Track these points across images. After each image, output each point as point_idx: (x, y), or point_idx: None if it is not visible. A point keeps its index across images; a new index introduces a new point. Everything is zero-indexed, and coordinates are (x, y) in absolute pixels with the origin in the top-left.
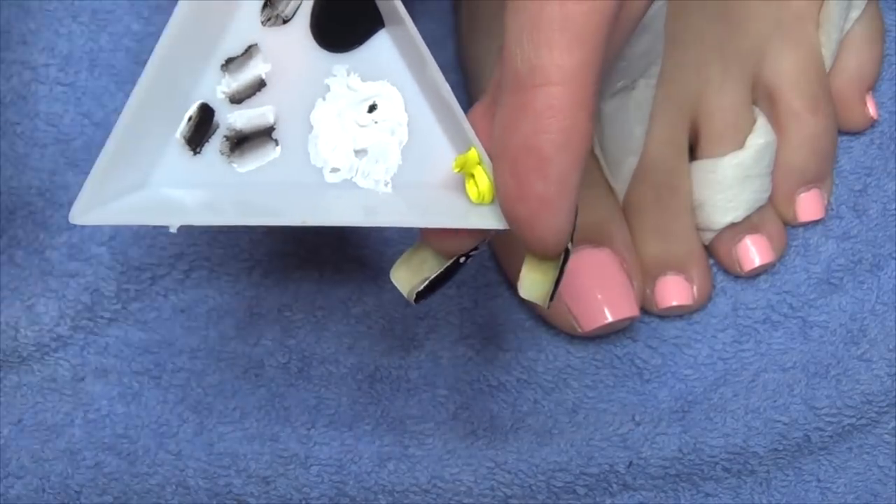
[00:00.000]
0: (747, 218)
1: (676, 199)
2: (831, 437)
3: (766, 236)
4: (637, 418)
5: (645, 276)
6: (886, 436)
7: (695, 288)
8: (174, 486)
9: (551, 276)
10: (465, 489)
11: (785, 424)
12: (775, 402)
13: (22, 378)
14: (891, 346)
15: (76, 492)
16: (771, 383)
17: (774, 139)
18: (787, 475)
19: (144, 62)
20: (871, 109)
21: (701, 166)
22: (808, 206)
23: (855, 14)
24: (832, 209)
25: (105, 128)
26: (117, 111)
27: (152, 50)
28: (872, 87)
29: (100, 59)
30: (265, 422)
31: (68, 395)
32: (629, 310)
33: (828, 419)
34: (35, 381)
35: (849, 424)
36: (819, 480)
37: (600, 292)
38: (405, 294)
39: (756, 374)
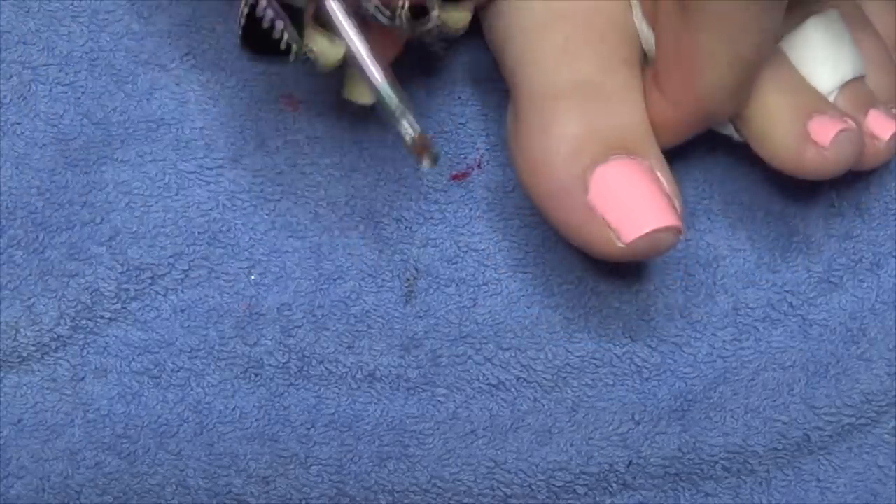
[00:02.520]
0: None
1: None
2: (831, 436)
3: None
4: (637, 417)
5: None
6: (886, 436)
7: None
8: (174, 486)
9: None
10: (465, 489)
11: (784, 424)
12: (775, 401)
13: (22, 378)
14: (890, 346)
15: (76, 492)
16: (770, 382)
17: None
18: (787, 475)
19: (144, 62)
20: None
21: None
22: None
23: None
24: (835, 207)
25: (105, 128)
26: (117, 111)
27: (152, 50)
28: None
29: (100, 59)
30: (265, 422)
31: (68, 395)
32: (673, 218)
33: (827, 418)
34: (35, 381)
35: (848, 424)
36: (819, 480)
37: (641, 201)
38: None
39: (756, 373)
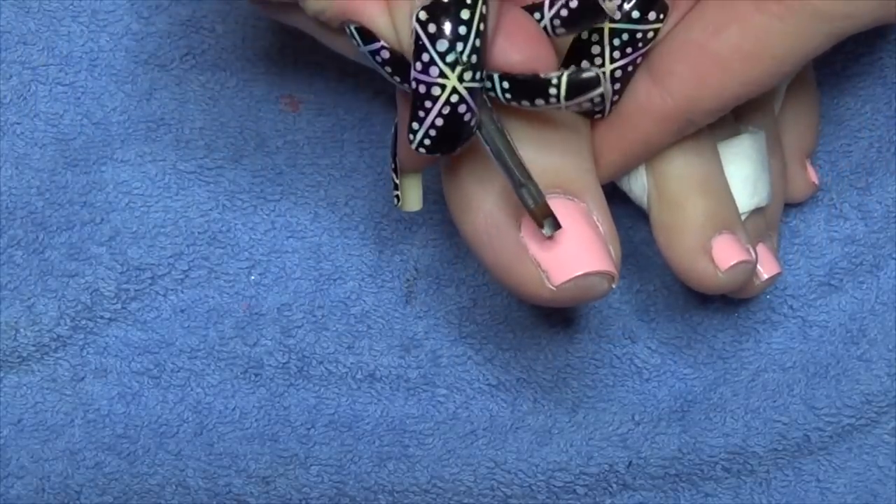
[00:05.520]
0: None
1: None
2: (831, 437)
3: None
4: (637, 418)
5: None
6: (886, 436)
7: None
8: (174, 486)
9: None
10: (465, 489)
11: (784, 424)
12: (775, 401)
13: (22, 378)
14: (890, 346)
15: (76, 492)
16: (770, 383)
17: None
18: (787, 475)
19: (144, 62)
20: (812, 175)
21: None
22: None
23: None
24: (836, 209)
25: (105, 128)
26: (117, 111)
27: (152, 50)
28: (811, 154)
29: (100, 59)
30: (265, 422)
31: (68, 395)
32: (607, 263)
33: (827, 419)
34: (35, 381)
35: (848, 424)
36: (819, 480)
37: (574, 243)
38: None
39: (756, 374)
